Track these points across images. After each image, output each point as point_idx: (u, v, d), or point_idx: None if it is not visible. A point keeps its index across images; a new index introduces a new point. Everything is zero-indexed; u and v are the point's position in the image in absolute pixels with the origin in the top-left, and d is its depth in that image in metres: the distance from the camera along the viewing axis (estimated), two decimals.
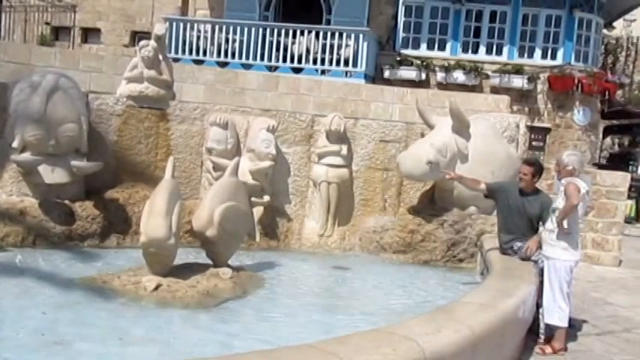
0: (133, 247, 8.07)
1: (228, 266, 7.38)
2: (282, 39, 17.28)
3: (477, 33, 18.42)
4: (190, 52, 17.77)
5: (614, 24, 23.72)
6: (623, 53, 27.06)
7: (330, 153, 10.09)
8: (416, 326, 4.13)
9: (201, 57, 17.69)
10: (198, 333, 5.69)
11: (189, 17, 19.08)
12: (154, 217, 6.64)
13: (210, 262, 7.43)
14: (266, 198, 9.69)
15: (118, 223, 8.83)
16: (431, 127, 9.56)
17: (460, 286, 7.94)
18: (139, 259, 6.99)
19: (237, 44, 17.56)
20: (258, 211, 9.44)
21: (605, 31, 22.23)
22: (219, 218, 7.14)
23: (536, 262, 6.64)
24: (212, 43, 17.80)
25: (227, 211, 7.24)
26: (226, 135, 9.59)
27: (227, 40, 17.72)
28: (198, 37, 17.95)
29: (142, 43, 9.20)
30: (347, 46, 17.08)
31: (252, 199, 9.09)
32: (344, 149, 10.11)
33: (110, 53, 18.42)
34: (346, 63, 17.14)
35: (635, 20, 25.53)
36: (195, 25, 18.02)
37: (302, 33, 17.29)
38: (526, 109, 17.97)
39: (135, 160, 9.31)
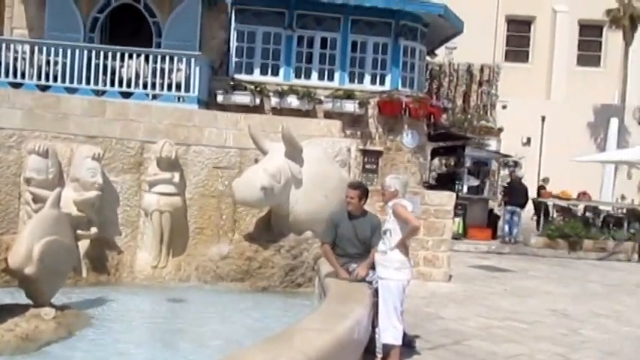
0: None
1: (51, 305, 6.86)
2: (109, 62, 16.57)
3: (310, 59, 18.77)
4: (7, 75, 16.50)
5: (437, 52, 25.14)
6: (447, 79, 28.72)
7: (162, 181, 9.75)
8: (250, 356, 4.01)
9: (19, 80, 16.46)
10: None
11: (4, 37, 17.77)
12: None
13: (30, 302, 6.86)
14: (93, 230, 9.16)
15: None
16: (264, 152, 9.51)
17: (298, 311, 7.88)
18: None
19: (59, 67, 16.59)
20: (84, 245, 8.91)
21: (428, 58, 23.48)
22: (39, 254, 6.62)
23: (371, 282, 6.73)
24: (31, 65, 16.70)
25: (48, 245, 6.73)
26: (47, 164, 8.99)
27: (48, 63, 16.70)
28: (16, 59, 16.73)
29: None
30: (178, 70, 16.72)
31: (78, 231, 8.64)
32: (176, 177, 9.82)
33: None
34: (178, 87, 16.76)
35: (455, 48, 27.17)
36: (12, 46, 16.82)
37: (131, 56, 16.71)
38: (358, 132, 18.50)
39: None
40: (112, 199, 9.69)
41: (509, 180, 20.92)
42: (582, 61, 36.82)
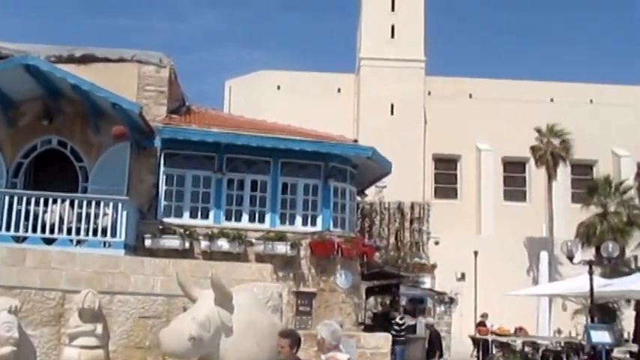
0: None
1: None
2: (32, 207, 16.00)
3: (240, 201, 18.63)
4: None
5: (367, 191, 25.52)
6: (378, 217, 29.07)
7: (83, 333, 9.17)
8: None
9: None
10: None
11: None
12: None
13: None
14: None
15: None
16: (193, 300, 9.10)
17: None
18: None
19: None
20: None
21: (359, 198, 23.77)
22: None
23: None
24: None
25: None
26: None
27: None
28: None
29: None
30: (105, 215, 16.28)
31: None
32: (99, 328, 9.26)
33: None
34: (104, 232, 16.23)
35: (385, 187, 27.64)
36: None
37: (55, 201, 16.20)
38: (291, 274, 18.14)
39: None
40: (28, 354, 9.00)
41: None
42: (509, 196, 38.26)
